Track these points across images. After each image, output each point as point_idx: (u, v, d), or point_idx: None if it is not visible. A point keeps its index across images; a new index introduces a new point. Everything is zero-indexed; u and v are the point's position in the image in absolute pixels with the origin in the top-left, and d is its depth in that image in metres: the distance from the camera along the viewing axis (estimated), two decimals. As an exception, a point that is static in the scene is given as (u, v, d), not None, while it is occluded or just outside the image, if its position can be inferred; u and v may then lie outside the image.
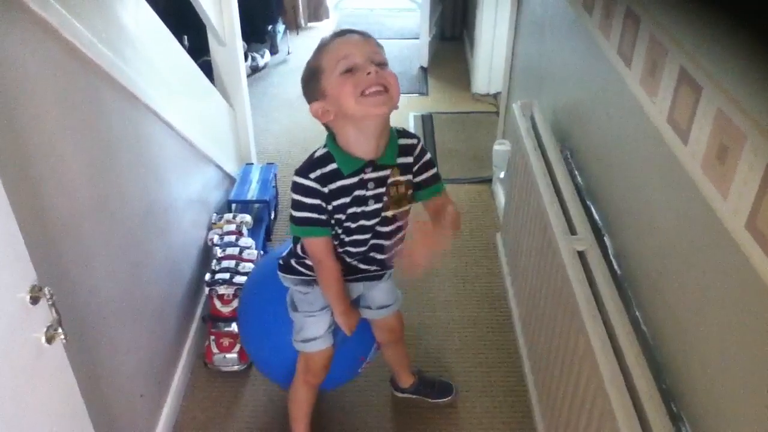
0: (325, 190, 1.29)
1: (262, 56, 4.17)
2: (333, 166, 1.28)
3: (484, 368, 2.04)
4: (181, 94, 2.14)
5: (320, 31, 4.94)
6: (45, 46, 1.23)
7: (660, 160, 1.14)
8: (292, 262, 1.49)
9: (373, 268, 1.48)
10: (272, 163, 2.77)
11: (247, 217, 2.30)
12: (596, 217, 1.51)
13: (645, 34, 1.19)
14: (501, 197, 2.67)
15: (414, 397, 1.91)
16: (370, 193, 1.32)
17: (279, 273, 1.54)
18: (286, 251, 1.52)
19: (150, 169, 1.78)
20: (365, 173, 1.30)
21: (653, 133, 1.15)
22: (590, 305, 1.24)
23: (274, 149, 3.31)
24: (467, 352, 2.10)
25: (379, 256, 1.44)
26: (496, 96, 3.68)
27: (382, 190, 1.33)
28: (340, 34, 1.25)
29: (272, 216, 2.63)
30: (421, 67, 4.19)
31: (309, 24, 4.97)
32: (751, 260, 0.83)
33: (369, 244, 1.40)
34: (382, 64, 1.22)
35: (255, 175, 2.64)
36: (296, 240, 1.45)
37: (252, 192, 2.52)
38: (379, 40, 1.27)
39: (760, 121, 0.81)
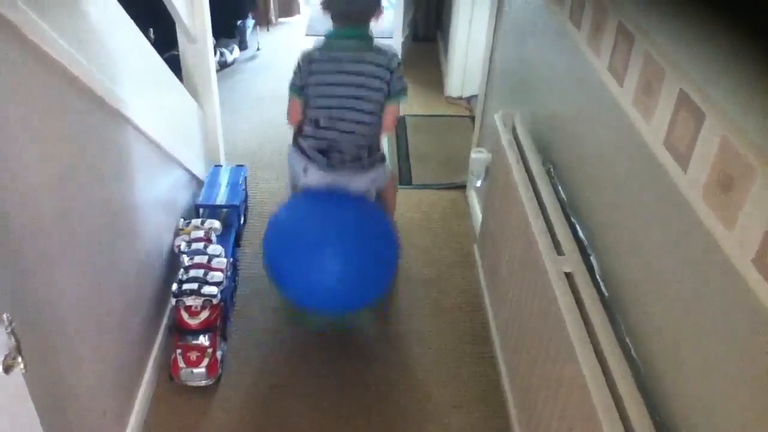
0: None
1: (231, 52, 4.06)
2: None
3: (460, 381, 2.00)
4: (147, 91, 2.04)
5: (291, 26, 4.84)
6: (2, 43, 1.13)
7: (653, 183, 1.11)
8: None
9: None
10: (242, 165, 2.69)
11: (216, 223, 2.21)
12: (581, 235, 1.47)
13: (639, 52, 1.16)
14: (477, 205, 2.64)
15: None
16: None
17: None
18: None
19: (113, 170, 1.67)
20: None
21: (647, 155, 1.12)
22: (580, 330, 1.21)
23: (243, 148, 3.21)
24: (442, 364, 2.06)
25: None
26: (470, 99, 3.66)
27: None
28: None
29: (242, 221, 2.54)
30: (394, 68, 4.14)
31: (280, 19, 4.87)
32: (758, 296, 0.81)
33: None
34: None
35: (224, 178, 2.55)
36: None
37: (221, 196, 2.43)
38: None
39: (770, 153, 0.78)
